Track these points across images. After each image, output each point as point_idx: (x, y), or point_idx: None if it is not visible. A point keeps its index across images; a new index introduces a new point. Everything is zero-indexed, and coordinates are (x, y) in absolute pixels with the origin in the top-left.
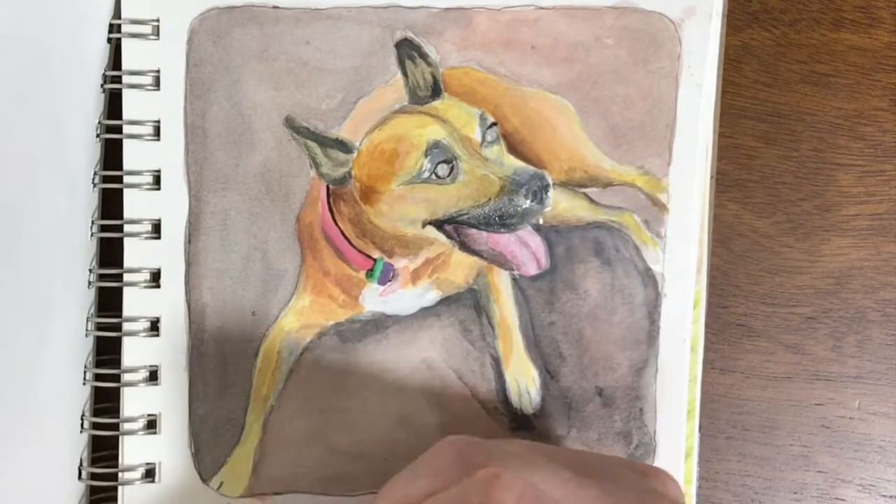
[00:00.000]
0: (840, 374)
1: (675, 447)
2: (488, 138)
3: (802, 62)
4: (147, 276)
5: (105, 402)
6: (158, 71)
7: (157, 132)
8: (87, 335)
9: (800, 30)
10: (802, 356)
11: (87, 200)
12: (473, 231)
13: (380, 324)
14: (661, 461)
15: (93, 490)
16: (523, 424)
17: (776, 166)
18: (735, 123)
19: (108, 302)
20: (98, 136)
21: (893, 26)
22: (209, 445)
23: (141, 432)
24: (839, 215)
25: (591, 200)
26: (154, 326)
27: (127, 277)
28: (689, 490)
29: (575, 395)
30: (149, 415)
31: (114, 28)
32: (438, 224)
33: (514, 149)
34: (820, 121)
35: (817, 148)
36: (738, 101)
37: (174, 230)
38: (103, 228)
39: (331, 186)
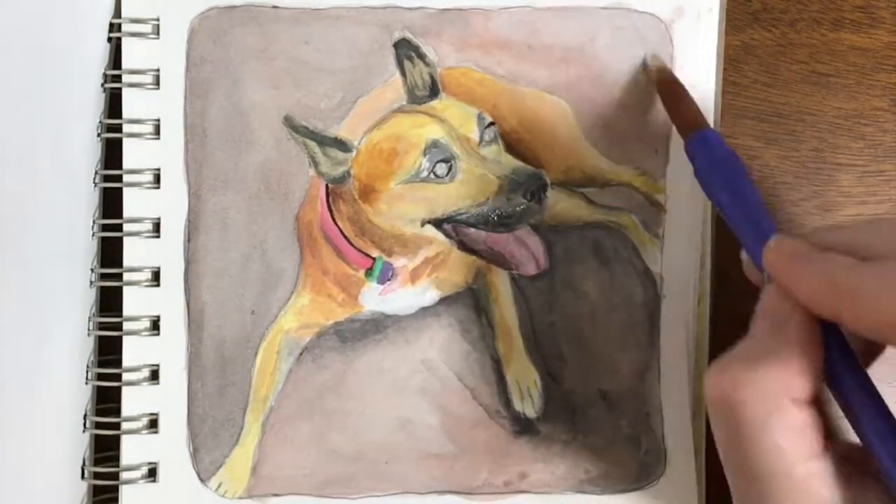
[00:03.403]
0: None
1: (685, 449)
2: (486, 138)
3: (802, 62)
4: (147, 274)
5: (109, 401)
6: (158, 70)
7: (157, 131)
8: (88, 334)
9: (800, 30)
10: None
11: (88, 199)
12: (472, 230)
13: (379, 323)
14: (671, 465)
15: (96, 490)
16: (526, 428)
17: (776, 166)
18: (735, 123)
19: (110, 301)
20: (98, 135)
21: (893, 26)
22: (208, 446)
23: (144, 431)
24: (839, 215)
25: (589, 200)
26: (155, 325)
27: (127, 276)
28: (699, 488)
29: (578, 398)
30: (150, 414)
31: (114, 27)
32: (437, 223)
33: (511, 148)
34: (820, 121)
35: (817, 148)
36: (738, 101)
37: (174, 229)
38: (104, 227)
39: (330, 185)
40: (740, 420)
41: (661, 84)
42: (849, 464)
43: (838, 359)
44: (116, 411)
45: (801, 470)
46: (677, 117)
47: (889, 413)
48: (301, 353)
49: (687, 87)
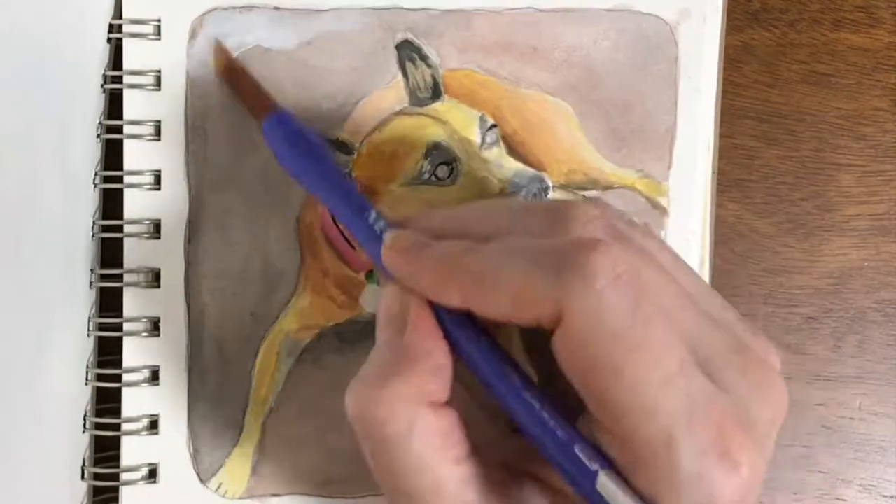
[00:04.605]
0: (840, 375)
1: None
2: (488, 140)
3: (803, 62)
4: (148, 276)
5: (109, 402)
6: (159, 71)
7: (157, 132)
8: (88, 335)
9: (800, 30)
10: (803, 356)
11: (88, 200)
12: None
13: None
14: None
15: (96, 490)
16: None
17: (776, 166)
18: (735, 123)
19: (110, 302)
20: (98, 136)
21: (894, 26)
22: (208, 447)
23: (144, 432)
24: (839, 215)
25: None
26: (155, 326)
27: (127, 278)
28: None
29: (575, 396)
30: (150, 415)
31: (114, 28)
32: None
33: (513, 151)
34: (820, 121)
35: (818, 148)
36: (738, 101)
37: (174, 230)
38: (104, 228)
39: None
40: (383, 437)
41: (224, 70)
42: (503, 468)
43: (470, 342)
44: (116, 412)
45: (448, 475)
46: (247, 101)
47: (529, 381)
48: (301, 355)
49: (692, 90)
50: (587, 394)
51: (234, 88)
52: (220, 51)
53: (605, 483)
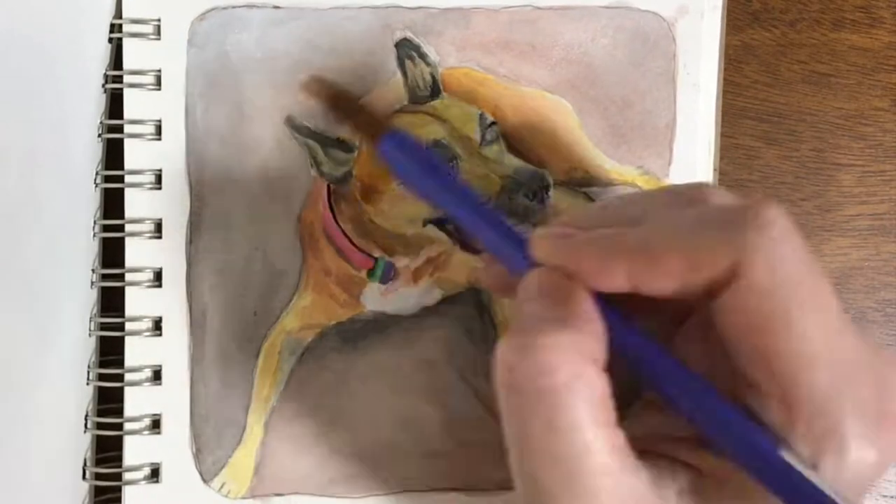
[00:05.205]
0: None
1: None
2: (488, 137)
3: (803, 62)
4: (149, 275)
5: (112, 402)
6: (160, 71)
7: (158, 132)
8: (90, 335)
9: (800, 30)
10: None
11: (89, 200)
12: None
13: (381, 323)
14: None
15: (98, 490)
16: None
17: (777, 166)
18: (735, 123)
19: (111, 302)
20: (99, 135)
21: (894, 26)
22: (211, 446)
23: (146, 432)
24: (840, 215)
25: (592, 200)
26: (157, 326)
27: (129, 277)
28: None
29: None
30: (153, 414)
31: (115, 28)
32: (439, 223)
33: (513, 148)
34: (820, 121)
35: (818, 148)
36: (738, 101)
37: (176, 230)
38: (105, 228)
39: (332, 186)
40: (538, 388)
41: (330, 99)
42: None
43: (624, 328)
44: (118, 412)
45: (600, 439)
46: (361, 128)
47: (684, 366)
48: (303, 354)
49: (690, 86)
50: (752, 351)
51: (343, 114)
52: (320, 82)
53: (788, 455)
